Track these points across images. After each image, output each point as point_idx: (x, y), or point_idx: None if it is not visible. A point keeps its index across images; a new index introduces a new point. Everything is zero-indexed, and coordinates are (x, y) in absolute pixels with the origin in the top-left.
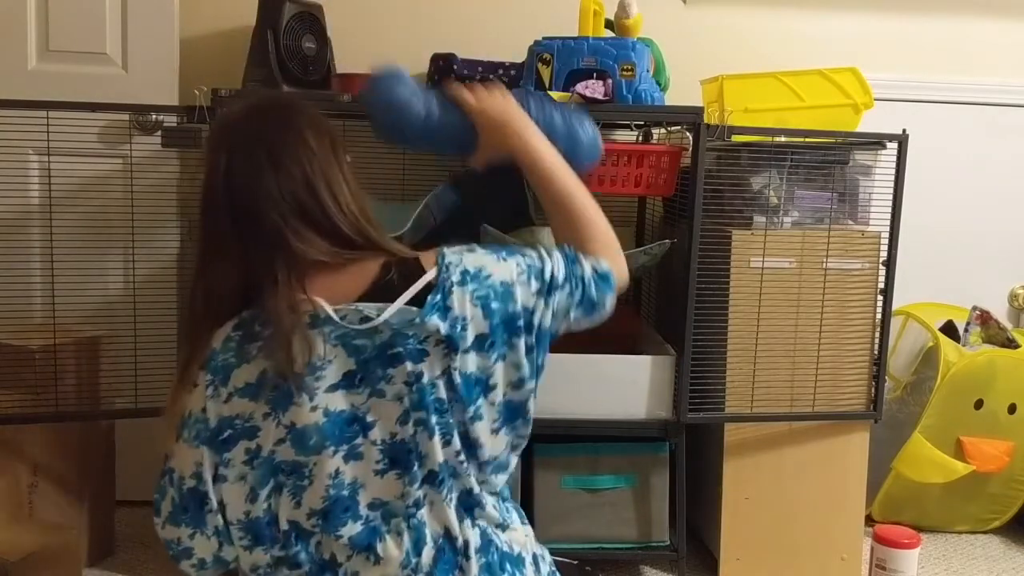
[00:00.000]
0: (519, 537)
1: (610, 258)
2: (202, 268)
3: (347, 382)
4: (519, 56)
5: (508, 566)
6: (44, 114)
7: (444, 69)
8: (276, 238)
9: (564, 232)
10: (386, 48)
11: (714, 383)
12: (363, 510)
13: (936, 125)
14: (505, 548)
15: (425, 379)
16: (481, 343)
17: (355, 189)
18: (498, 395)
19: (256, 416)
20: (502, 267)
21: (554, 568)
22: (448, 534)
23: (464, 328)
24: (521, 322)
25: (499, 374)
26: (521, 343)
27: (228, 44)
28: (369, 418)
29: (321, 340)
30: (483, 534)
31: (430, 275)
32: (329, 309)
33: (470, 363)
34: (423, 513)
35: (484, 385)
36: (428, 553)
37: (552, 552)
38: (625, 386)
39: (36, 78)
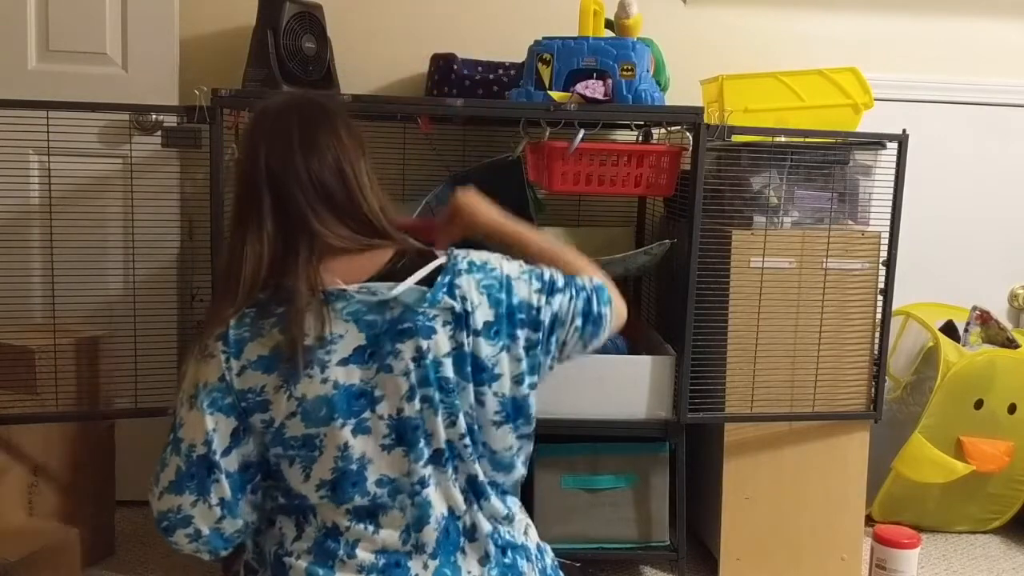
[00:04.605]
0: (522, 528)
1: (604, 281)
2: (233, 247)
3: (357, 357)
4: (519, 56)
5: (510, 553)
6: (44, 114)
7: (444, 69)
8: (301, 220)
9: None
10: (386, 48)
11: (714, 383)
12: (371, 486)
13: (936, 125)
14: (508, 537)
15: (432, 356)
16: (488, 329)
17: (376, 185)
18: (503, 386)
19: (268, 389)
20: (505, 264)
21: (556, 561)
22: (453, 514)
23: (472, 311)
24: (523, 316)
25: (504, 364)
26: (522, 337)
27: (228, 44)
28: (377, 392)
29: (334, 316)
30: (488, 520)
31: (440, 260)
32: (343, 286)
33: (477, 347)
34: (429, 492)
35: (490, 373)
36: (430, 532)
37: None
38: (625, 386)
39: (36, 78)
